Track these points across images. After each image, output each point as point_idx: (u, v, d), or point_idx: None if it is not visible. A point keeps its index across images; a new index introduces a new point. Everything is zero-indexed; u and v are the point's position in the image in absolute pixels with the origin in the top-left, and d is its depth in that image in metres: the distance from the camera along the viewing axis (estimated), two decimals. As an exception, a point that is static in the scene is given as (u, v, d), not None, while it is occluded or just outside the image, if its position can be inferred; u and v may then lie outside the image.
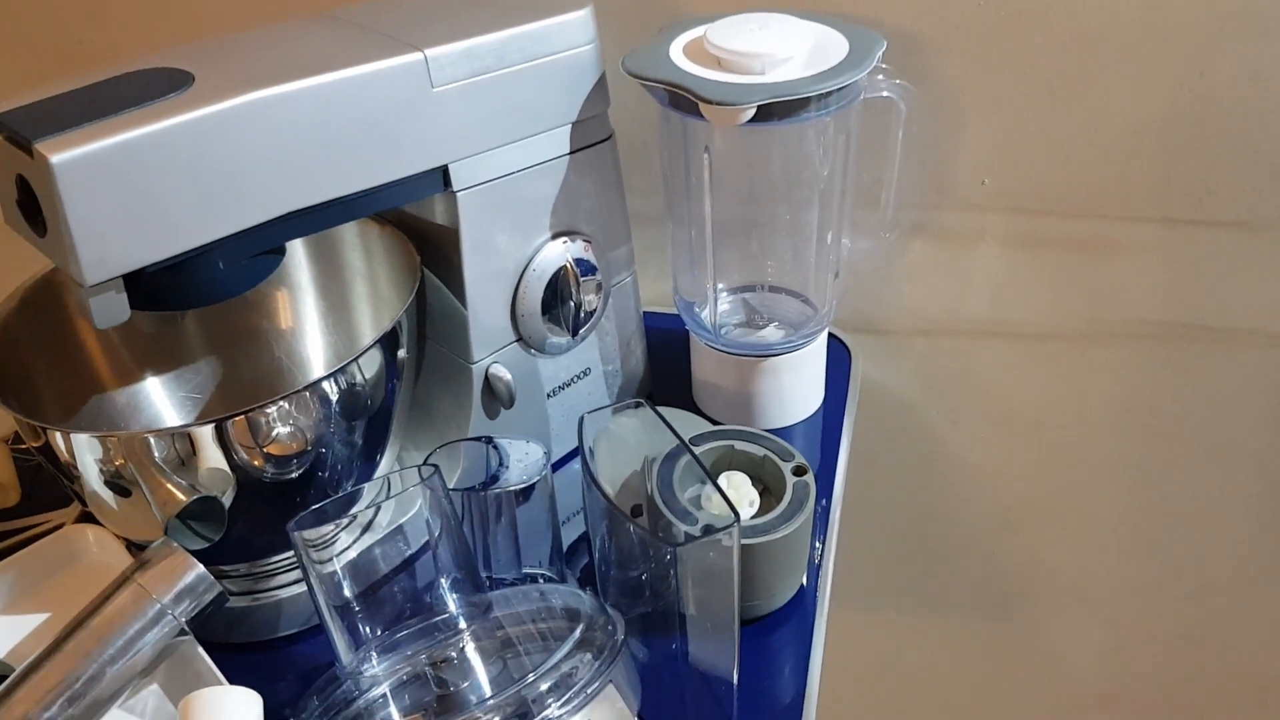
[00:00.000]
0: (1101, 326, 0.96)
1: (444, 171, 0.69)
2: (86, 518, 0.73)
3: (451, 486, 0.67)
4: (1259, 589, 1.08)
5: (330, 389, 0.64)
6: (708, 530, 0.61)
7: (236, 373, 0.80)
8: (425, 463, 0.66)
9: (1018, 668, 1.22)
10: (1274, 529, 1.04)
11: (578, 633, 0.57)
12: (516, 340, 0.77)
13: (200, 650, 0.64)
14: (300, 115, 0.61)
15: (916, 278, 0.97)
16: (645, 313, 0.86)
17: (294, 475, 0.67)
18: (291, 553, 0.71)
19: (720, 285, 0.86)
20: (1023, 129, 0.87)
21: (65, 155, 0.54)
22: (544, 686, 0.53)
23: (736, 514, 0.57)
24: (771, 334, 0.84)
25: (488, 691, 0.57)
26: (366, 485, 0.67)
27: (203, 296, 0.64)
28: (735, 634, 0.62)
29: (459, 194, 0.70)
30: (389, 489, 0.65)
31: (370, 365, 0.66)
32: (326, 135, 0.62)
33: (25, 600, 0.69)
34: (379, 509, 0.66)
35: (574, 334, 0.79)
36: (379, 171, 0.65)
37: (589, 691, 0.53)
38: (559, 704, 0.53)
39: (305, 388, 0.63)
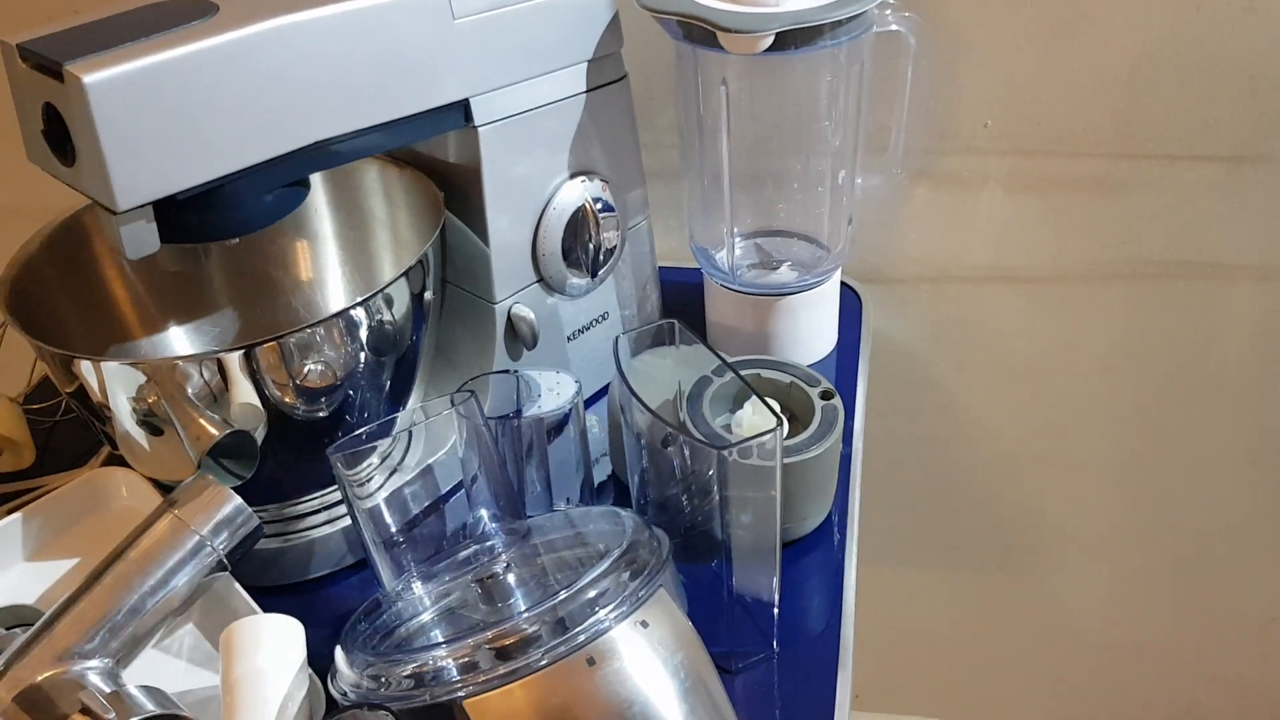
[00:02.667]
0: (1103, 268, 0.97)
1: (465, 106, 0.69)
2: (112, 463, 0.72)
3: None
4: (1258, 527, 1.10)
5: (358, 321, 0.64)
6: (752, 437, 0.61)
7: (257, 322, 0.79)
8: (460, 389, 0.66)
9: (1023, 616, 1.23)
10: (1274, 467, 1.05)
11: (624, 544, 0.57)
12: (537, 281, 0.77)
13: (237, 586, 0.64)
14: (325, 44, 0.61)
15: (921, 225, 0.97)
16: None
17: (324, 414, 0.67)
18: (322, 492, 0.71)
19: (732, 229, 0.86)
20: (1024, 69, 0.88)
21: (98, 75, 0.54)
22: (592, 594, 0.53)
23: (780, 418, 0.57)
24: (785, 274, 0.85)
25: (522, 609, 0.56)
26: (401, 412, 0.67)
27: (230, 228, 0.64)
28: (776, 552, 0.62)
29: (480, 129, 0.70)
30: (426, 414, 0.65)
31: (399, 300, 0.66)
32: (351, 65, 0.62)
33: (53, 545, 0.68)
34: (412, 437, 0.65)
35: (593, 275, 0.79)
36: (403, 103, 0.65)
37: (640, 595, 0.53)
38: (609, 609, 0.52)
39: (335, 315, 0.63)
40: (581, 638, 0.51)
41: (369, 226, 0.79)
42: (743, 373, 0.72)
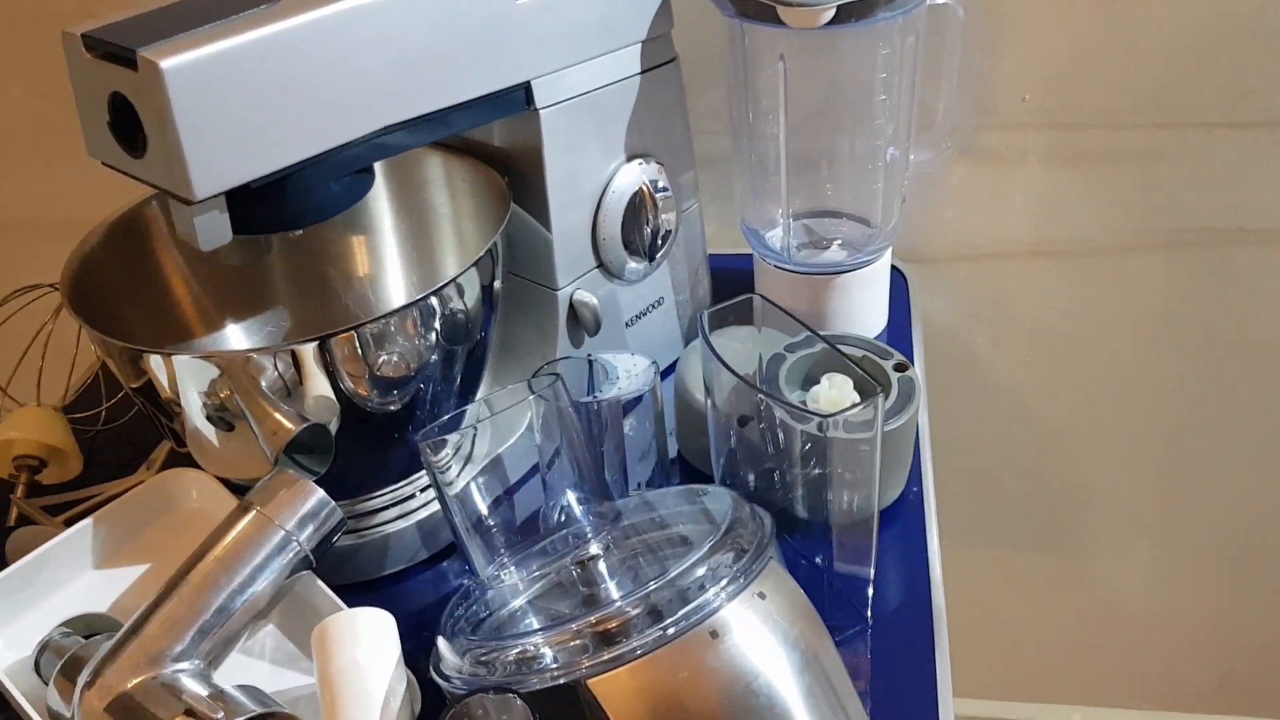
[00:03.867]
0: (1141, 239, 0.97)
1: (527, 89, 0.68)
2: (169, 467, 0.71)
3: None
4: (1300, 495, 1.10)
5: (432, 310, 0.63)
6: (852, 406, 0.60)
7: (316, 318, 0.78)
8: (536, 374, 0.65)
9: (1063, 590, 1.22)
10: (1313, 433, 1.06)
11: (728, 520, 0.56)
12: (597, 267, 0.76)
13: (319, 583, 0.62)
14: (392, 27, 0.60)
15: (960, 203, 0.97)
16: (702, 252, 0.86)
17: (396, 407, 0.65)
18: (394, 487, 0.70)
19: (780, 212, 0.85)
20: (1061, 41, 0.88)
21: (174, 61, 0.53)
22: (703, 569, 0.52)
23: (881, 385, 0.56)
24: (836, 253, 0.84)
25: (633, 588, 0.55)
26: (481, 398, 0.66)
27: (298, 218, 0.63)
28: (874, 524, 0.61)
29: (542, 112, 0.69)
30: (513, 397, 0.63)
31: (469, 289, 0.65)
32: (417, 48, 0.61)
33: (123, 551, 0.66)
34: (476, 430, 0.64)
35: (650, 259, 0.78)
36: (468, 86, 0.65)
37: (754, 568, 0.52)
38: (726, 583, 0.51)
39: (409, 304, 0.62)
40: (703, 610, 0.50)
41: (429, 220, 0.78)
42: (816, 348, 0.71)
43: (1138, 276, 0.99)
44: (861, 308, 0.85)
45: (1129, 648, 1.27)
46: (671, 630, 0.49)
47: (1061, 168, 0.95)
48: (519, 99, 0.68)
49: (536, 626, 0.58)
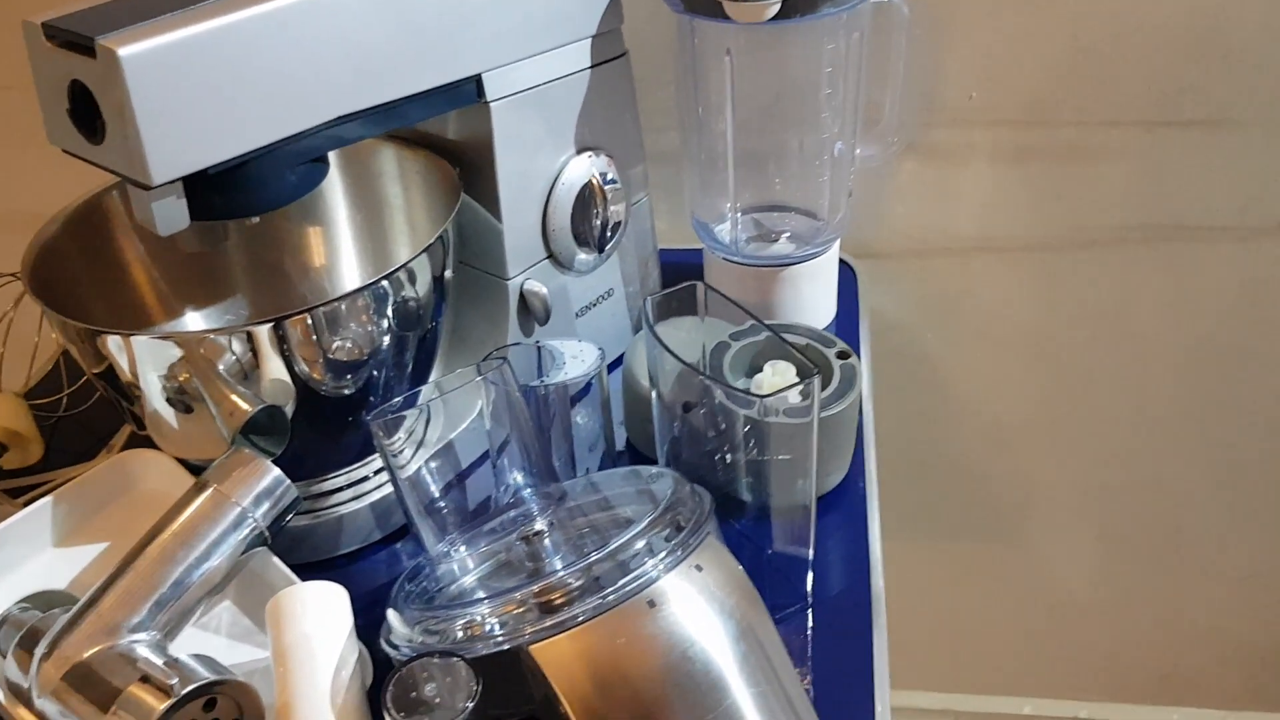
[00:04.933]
0: (1085, 234, 1.00)
1: (478, 82, 0.70)
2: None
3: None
4: (1236, 487, 1.13)
5: (384, 295, 0.65)
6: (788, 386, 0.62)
7: (274, 306, 0.79)
8: (486, 359, 0.67)
9: (1012, 584, 1.25)
10: (1251, 425, 1.09)
11: (669, 497, 0.58)
12: (547, 258, 0.78)
13: (275, 559, 0.64)
14: (351, 17, 0.61)
15: (908, 199, 1.00)
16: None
17: (350, 390, 0.67)
18: (348, 469, 0.71)
19: (729, 205, 0.88)
20: (1004, 39, 0.91)
21: (132, 49, 0.54)
22: (643, 542, 0.54)
23: (816, 367, 0.58)
24: (784, 246, 0.87)
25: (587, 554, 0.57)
26: (433, 381, 0.67)
27: (255, 205, 0.64)
28: (811, 505, 0.63)
29: (492, 104, 0.71)
30: (460, 380, 0.65)
31: (421, 276, 0.67)
32: (371, 40, 0.63)
33: (82, 530, 0.67)
34: (431, 412, 0.66)
35: (600, 250, 0.80)
36: (422, 78, 0.66)
37: (692, 542, 0.54)
38: (665, 554, 0.53)
39: (363, 288, 0.63)
40: (641, 580, 0.52)
41: (383, 211, 0.79)
42: (760, 336, 0.74)
43: (1083, 272, 1.02)
44: (809, 300, 0.87)
45: (1076, 639, 1.30)
46: (610, 598, 0.51)
47: (1007, 164, 0.97)
48: (470, 91, 0.70)
49: (486, 595, 0.60)
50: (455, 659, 0.50)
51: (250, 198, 0.64)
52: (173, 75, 0.56)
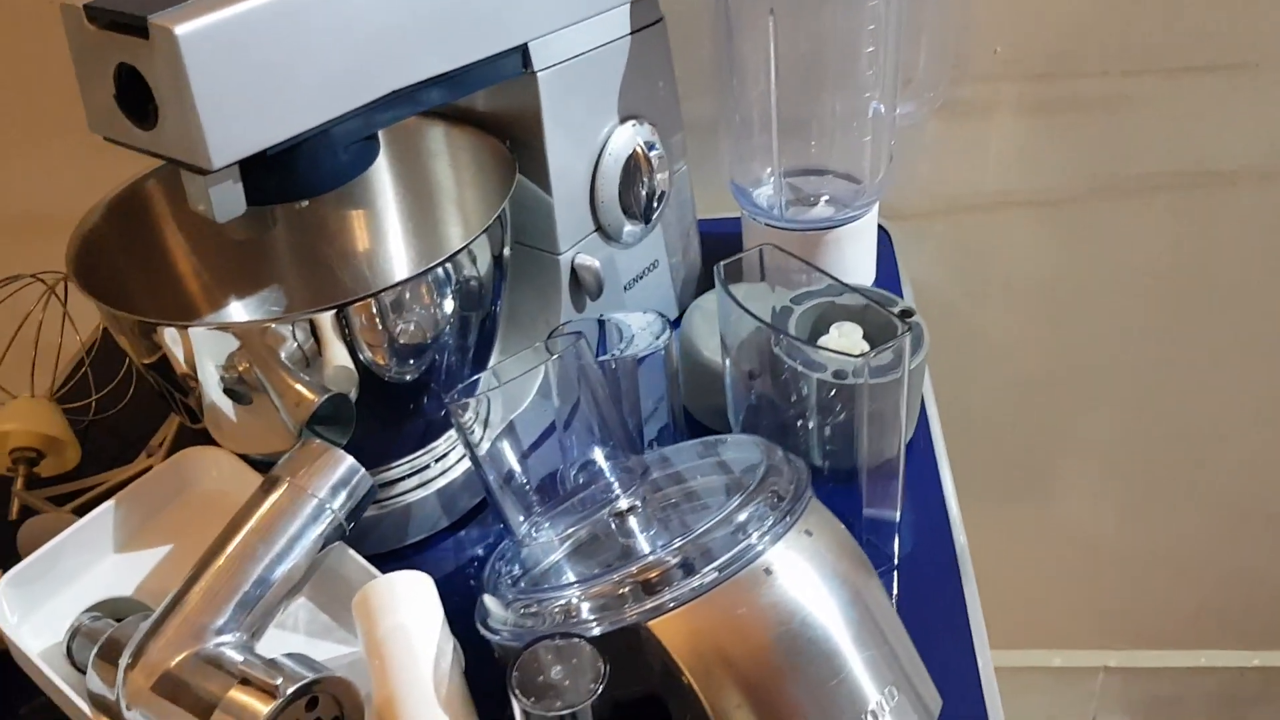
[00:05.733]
0: (1110, 184, 1.00)
1: (524, 51, 0.68)
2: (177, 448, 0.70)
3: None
4: (1263, 425, 1.14)
5: (447, 278, 0.63)
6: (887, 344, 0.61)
7: (320, 292, 0.77)
8: (551, 336, 0.66)
9: (1038, 536, 1.25)
10: (1274, 369, 1.09)
11: (765, 465, 0.56)
12: (595, 230, 0.76)
13: (351, 552, 0.62)
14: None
15: (935, 157, 0.99)
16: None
17: (412, 376, 0.65)
18: (412, 456, 0.70)
19: (767, 170, 0.86)
20: (1029, -8, 0.90)
21: (188, 27, 0.52)
22: (750, 510, 0.53)
23: (907, 322, 0.57)
24: (823, 209, 0.85)
25: (679, 533, 0.56)
26: (506, 359, 0.66)
27: (308, 187, 0.62)
28: (899, 465, 0.62)
29: (539, 74, 0.69)
30: (536, 356, 0.64)
31: (481, 257, 0.65)
32: (423, 11, 0.61)
33: (143, 533, 0.65)
34: (503, 393, 0.64)
35: (646, 220, 0.79)
36: (470, 49, 0.64)
37: (799, 507, 0.53)
38: (773, 521, 0.52)
39: (424, 272, 0.61)
40: (756, 548, 0.51)
41: (430, 192, 0.77)
42: (820, 300, 0.73)
43: (1107, 222, 1.02)
44: (851, 262, 0.86)
45: (1103, 589, 1.30)
46: (727, 570, 0.50)
47: (1032, 118, 0.97)
48: (516, 62, 0.68)
49: (575, 579, 0.59)
50: (578, 640, 0.48)
51: (304, 180, 0.62)
52: (229, 53, 0.54)
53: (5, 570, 0.65)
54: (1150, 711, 1.38)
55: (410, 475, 0.70)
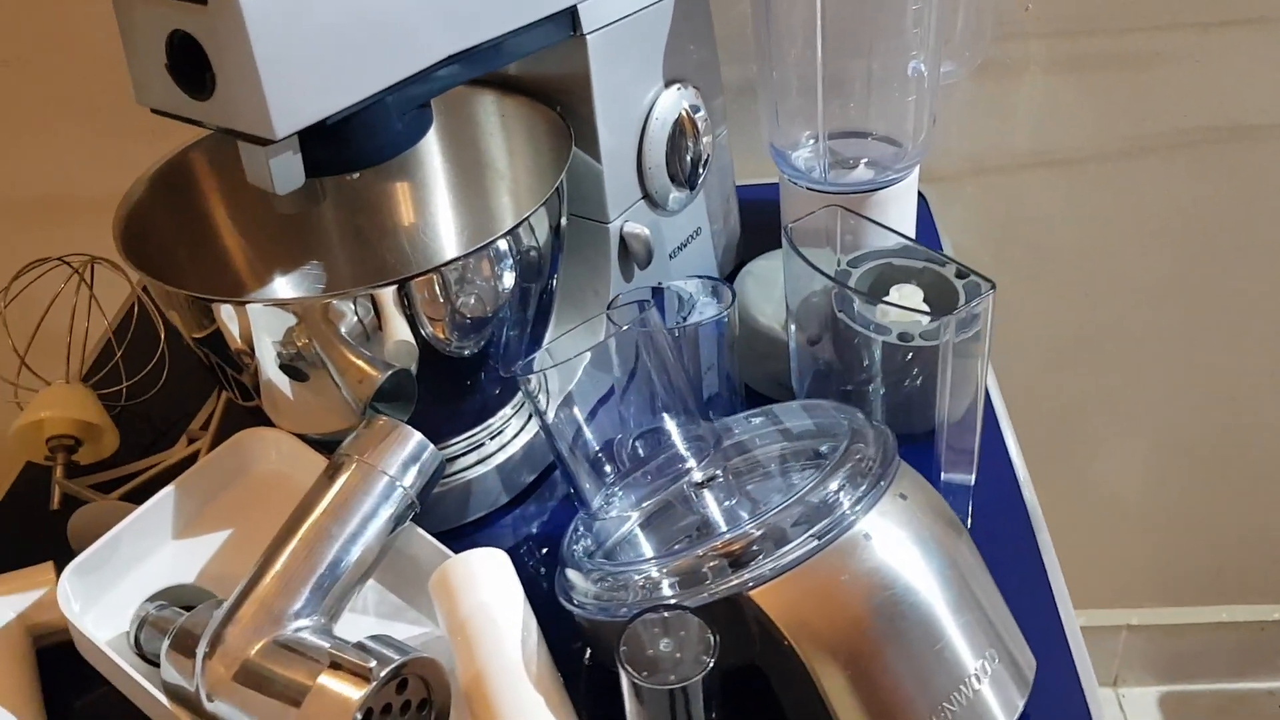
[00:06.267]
0: (1140, 142, 0.99)
1: (573, 14, 0.66)
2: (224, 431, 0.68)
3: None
4: (1289, 384, 1.14)
5: (506, 252, 0.61)
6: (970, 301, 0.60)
7: (368, 267, 0.75)
8: (611, 307, 0.64)
9: (1063, 497, 1.25)
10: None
11: (849, 431, 0.55)
12: (642, 198, 0.75)
13: (420, 531, 0.61)
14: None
15: (964, 118, 0.98)
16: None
17: (473, 350, 0.64)
18: (471, 433, 0.68)
19: (806, 134, 0.85)
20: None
21: (250, -9, 0.50)
22: (836, 481, 0.52)
23: (992, 282, 0.56)
24: (863, 172, 0.84)
25: (759, 509, 0.55)
26: (575, 329, 0.64)
27: (365, 157, 0.60)
28: (977, 427, 0.61)
29: (588, 36, 0.67)
30: (604, 327, 0.62)
31: (540, 228, 0.63)
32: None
33: (202, 519, 0.63)
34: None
35: (692, 187, 0.77)
36: (524, 11, 0.63)
37: (891, 471, 0.52)
38: (866, 486, 0.51)
39: (490, 243, 0.60)
40: (854, 514, 0.50)
41: (480, 166, 0.75)
42: (876, 262, 0.72)
43: (1137, 181, 1.01)
44: (893, 225, 0.85)
45: (1126, 548, 1.31)
46: (826, 536, 0.49)
47: (1063, 76, 0.96)
48: (566, 25, 0.67)
49: (657, 553, 0.58)
50: (684, 613, 0.47)
51: (359, 150, 0.60)
52: (290, 20, 0.52)
53: (53, 561, 0.63)
54: (1172, 668, 1.38)
55: (469, 452, 0.68)
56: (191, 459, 0.73)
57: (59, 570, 0.62)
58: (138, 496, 0.64)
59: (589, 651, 0.60)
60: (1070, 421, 1.19)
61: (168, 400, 0.80)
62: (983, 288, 0.68)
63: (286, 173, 0.56)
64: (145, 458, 0.76)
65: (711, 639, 0.46)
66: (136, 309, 0.83)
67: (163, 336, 0.80)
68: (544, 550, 0.68)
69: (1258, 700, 1.40)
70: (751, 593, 0.48)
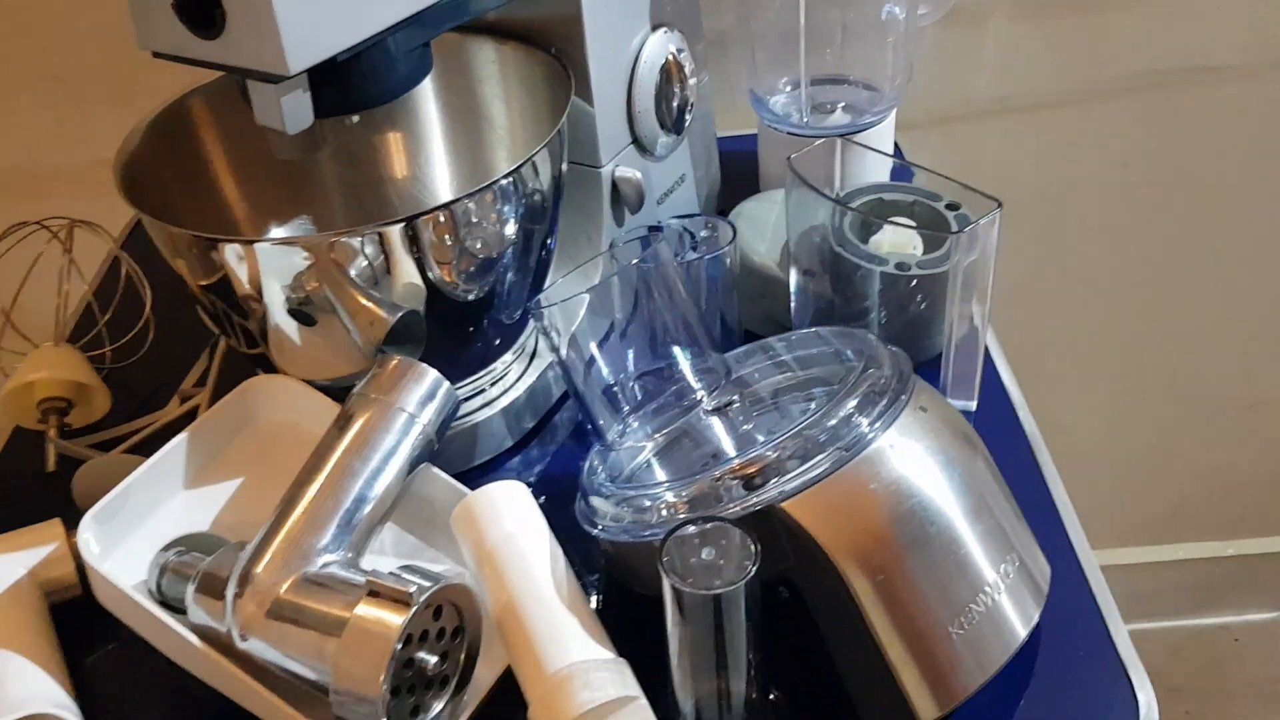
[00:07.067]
0: (1100, 85, 1.02)
1: (563, -43, 0.67)
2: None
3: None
4: (1242, 320, 1.18)
5: (510, 193, 0.61)
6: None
7: (367, 214, 0.75)
8: (613, 245, 0.65)
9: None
10: (1260, 260, 1.13)
11: (867, 354, 0.57)
12: (631, 143, 0.76)
13: (435, 470, 0.61)
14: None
15: (931, 67, 1.00)
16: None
17: (476, 294, 0.64)
18: (475, 377, 0.69)
19: (784, 79, 0.86)
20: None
21: (262, -76, 0.50)
22: (855, 399, 0.53)
23: (998, 201, 0.58)
24: (841, 116, 0.86)
25: (782, 427, 0.56)
26: (587, 264, 0.65)
27: (368, 97, 0.60)
28: (979, 351, 0.63)
29: (578, -22, 0.68)
30: (616, 261, 0.63)
31: (543, 169, 0.64)
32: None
33: (211, 468, 0.63)
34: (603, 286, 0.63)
35: (678, 132, 0.78)
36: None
37: (908, 387, 0.54)
38: (883, 405, 0.52)
39: (494, 182, 0.60)
40: (879, 426, 0.51)
41: (476, 113, 0.75)
42: (868, 197, 0.73)
43: (1094, 125, 1.04)
44: (872, 170, 0.86)
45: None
46: (854, 449, 0.50)
47: (1026, 23, 0.98)
48: (557, -33, 0.67)
49: (680, 476, 0.58)
50: (724, 523, 0.48)
51: (364, 90, 0.60)
52: (300, -48, 0.51)
53: (60, 518, 0.63)
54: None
55: (472, 397, 0.69)
56: (187, 417, 0.73)
57: (68, 527, 0.62)
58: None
59: (607, 580, 0.61)
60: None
61: (154, 363, 0.79)
62: (967, 218, 0.70)
63: (297, 111, 0.56)
64: (136, 419, 0.75)
65: (753, 547, 0.47)
66: (124, 273, 0.81)
67: (148, 298, 0.79)
68: (552, 490, 0.68)
69: (1213, 635, 1.45)
70: (784, 504, 0.49)
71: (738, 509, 0.50)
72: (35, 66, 1.01)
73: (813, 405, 0.56)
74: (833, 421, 0.52)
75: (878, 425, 0.51)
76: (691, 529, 0.48)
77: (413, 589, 0.50)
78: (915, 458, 0.51)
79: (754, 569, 0.46)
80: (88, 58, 1.00)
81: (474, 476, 0.69)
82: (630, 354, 0.62)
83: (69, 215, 0.79)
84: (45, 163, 1.05)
